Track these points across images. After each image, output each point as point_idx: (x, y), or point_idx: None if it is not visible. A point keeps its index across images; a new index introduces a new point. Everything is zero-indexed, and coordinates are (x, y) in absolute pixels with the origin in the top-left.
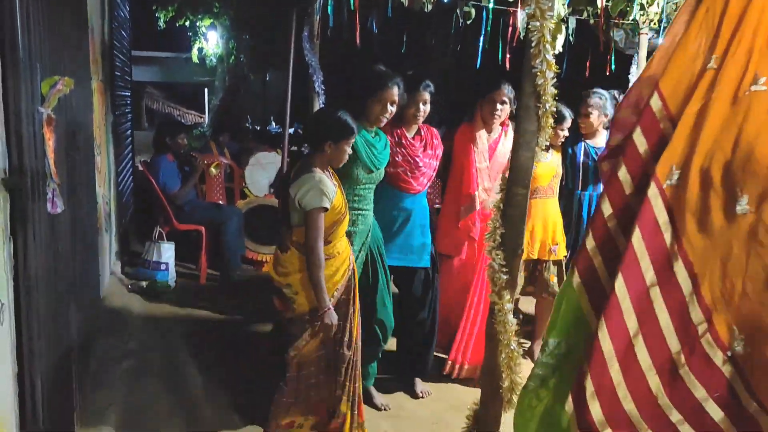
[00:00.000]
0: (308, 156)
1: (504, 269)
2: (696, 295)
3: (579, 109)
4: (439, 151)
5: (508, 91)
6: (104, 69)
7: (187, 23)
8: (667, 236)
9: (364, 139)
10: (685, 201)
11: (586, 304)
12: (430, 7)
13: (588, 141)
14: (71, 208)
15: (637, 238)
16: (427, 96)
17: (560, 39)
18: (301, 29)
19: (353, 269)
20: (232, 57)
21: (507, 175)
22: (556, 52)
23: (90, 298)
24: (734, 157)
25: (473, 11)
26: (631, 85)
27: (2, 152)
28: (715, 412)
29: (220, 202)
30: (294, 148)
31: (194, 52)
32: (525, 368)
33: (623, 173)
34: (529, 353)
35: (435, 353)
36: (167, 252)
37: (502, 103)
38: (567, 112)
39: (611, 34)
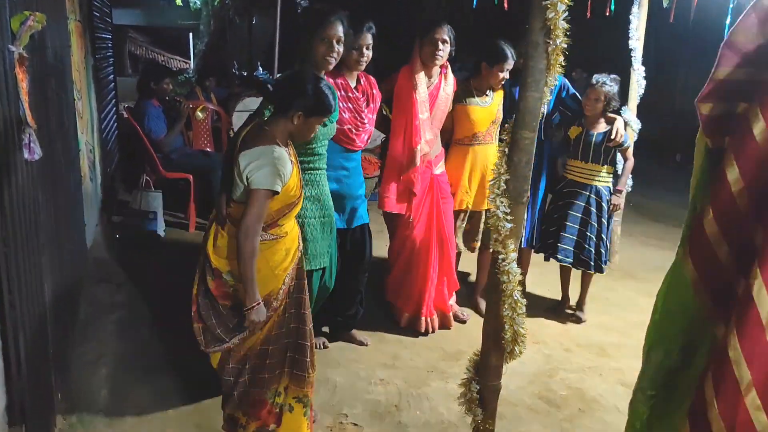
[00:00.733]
0: (269, 121)
1: (508, 217)
2: None
3: (588, 93)
4: (378, 103)
5: (448, 30)
6: (81, 9)
7: None
8: None
9: None
10: None
11: (706, 305)
12: None
13: None
14: (51, 154)
15: None
16: (370, 39)
17: None
18: None
19: (301, 250)
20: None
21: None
22: None
23: (75, 248)
24: None
25: None
26: None
27: None
28: None
29: (208, 149)
30: None
31: None
32: (532, 323)
33: (763, 129)
34: (473, 306)
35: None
36: (155, 201)
37: (443, 42)
38: (509, 52)
39: None
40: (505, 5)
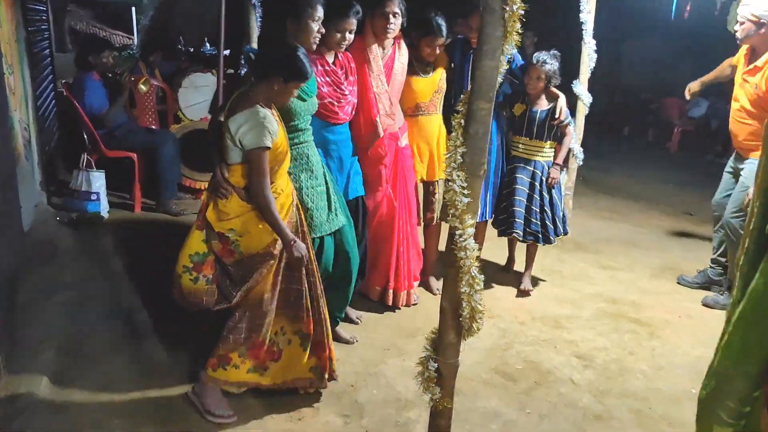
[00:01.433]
0: (251, 88)
1: (465, 191)
2: None
3: (529, 71)
4: (356, 76)
5: (399, 2)
6: None
7: None
8: None
9: None
10: None
11: None
12: None
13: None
14: None
15: None
16: (354, 24)
17: None
18: None
19: (297, 205)
20: None
21: (469, 88)
22: None
23: (11, 231)
24: None
25: None
26: None
27: None
28: None
29: (153, 126)
30: (231, 71)
31: None
32: (486, 297)
33: None
34: (424, 285)
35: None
36: (97, 181)
37: (394, 15)
38: (439, 26)
39: None
40: None
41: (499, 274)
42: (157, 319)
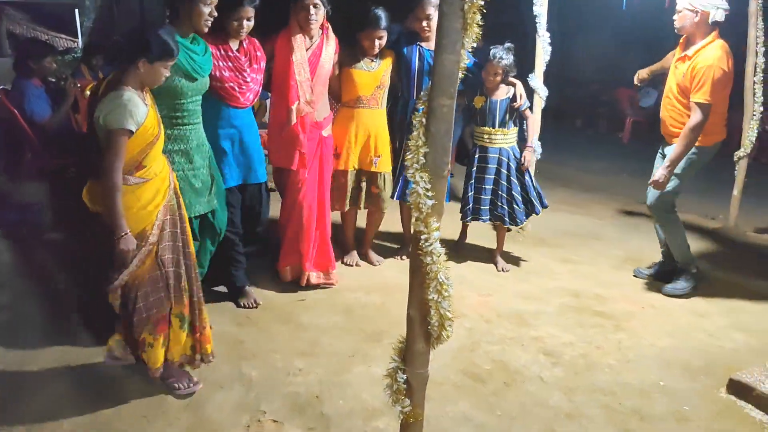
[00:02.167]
0: (119, 72)
1: (429, 193)
2: None
3: (487, 68)
4: (263, 63)
5: None
6: None
7: None
8: None
9: (183, 46)
10: None
11: None
12: None
13: (423, 44)
14: None
15: None
16: (251, 12)
17: None
18: None
19: (175, 189)
20: None
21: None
22: None
23: None
24: None
25: None
26: None
27: None
28: None
29: None
30: None
31: None
32: (458, 303)
33: None
34: (364, 257)
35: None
36: (39, 191)
37: (314, 6)
38: (378, 19)
39: None
40: None
41: (463, 275)
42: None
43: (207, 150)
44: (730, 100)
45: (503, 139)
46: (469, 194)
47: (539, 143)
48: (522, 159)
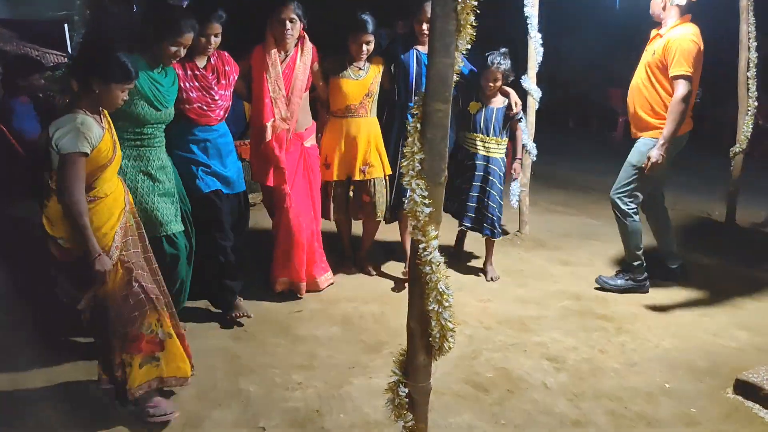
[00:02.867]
0: (78, 94)
1: (426, 201)
2: None
3: (486, 74)
4: (234, 76)
5: (295, 6)
6: None
7: None
8: None
9: (149, 77)
10: None
11: None
12: None
13: (419, 48)
14: None
15: None
16: (218, 28)
17: None
18: None
19: (131, 209)
20: None
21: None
22: None
23: None
24: None
25: None
26: None
27: None
28: None
29: None
30: None
31: None
32: (457, 311)
33: None
34: (360, 268)
35: None
36: (30, 209)
37: (291, 21)
38: (365, 24)
39: None
40: None
41: (461, 281)
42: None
43: (170, 170)
44: (725, 95)
45: (496, 148)
46: (455, 195)
47: (534, 145)
48: (512, 171)
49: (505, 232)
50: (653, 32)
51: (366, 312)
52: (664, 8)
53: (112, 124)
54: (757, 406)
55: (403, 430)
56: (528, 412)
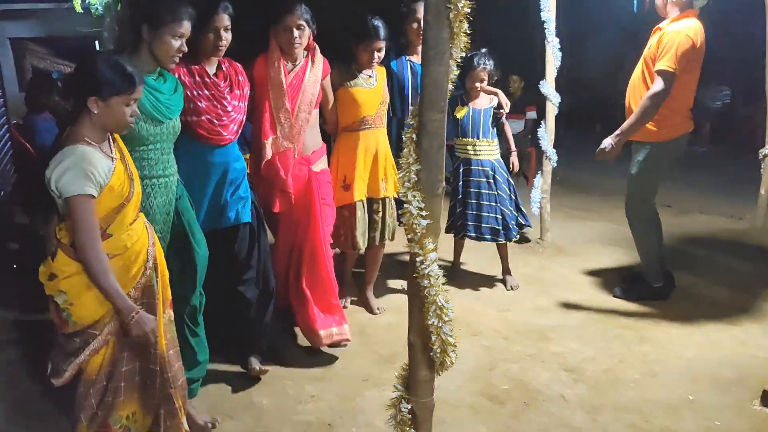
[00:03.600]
0: (75, 120)
1: (423, 213)
2: None
3: (472, 75)
4: (247, 90)
5: (303, 11)
6: None
7: None
8: None
9: (145, 84)
10: None
11: None
12: None
13: (412, 58)
14: None
15: None
16: (227, 20)
17: None
18: None
19: (155, 263)
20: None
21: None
22: None
23: None
24: None
25: None
26: None
27: None
28: None
29: None
30: None
31: (76, 2)
32: (466, 313)
33: None
34: (363, 304)
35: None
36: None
37: (299, 28)
38: (377, 29)
39: None
40: None
41: (479, 290)
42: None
43: (171, 213)
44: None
45: (488, 150)
46: (457, 210)
47: (554, 150)
48: (510, 165)
49: (526, 240)
50: (656, 27)
51: (381, 322)
52: (665, 3)
53: (126, 151)
54: None
55: None
56: (545, 425)
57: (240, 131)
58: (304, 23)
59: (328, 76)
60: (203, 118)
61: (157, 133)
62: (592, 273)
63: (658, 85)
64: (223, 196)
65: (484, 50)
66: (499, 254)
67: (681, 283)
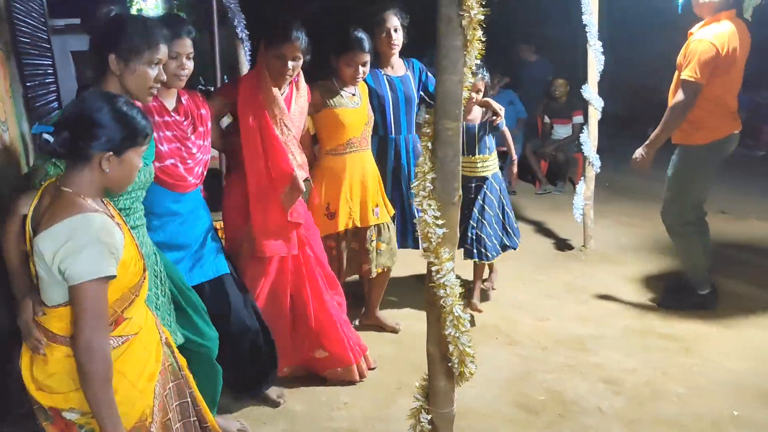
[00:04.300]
0: (68, 180)
1: (439, 222)
2: None
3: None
4: (209, 124)
5: (303, 43)
6: (2, 35)
7: None
8: None
9: None
10: None
11: None
12: None
13: (387, 71)
14: None
15: None
16: (190, 47)
17: None
18: None
19: (168, 340)
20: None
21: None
22: None
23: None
24: None
25: None
26: None
27: None
28: None
29: None
30: None
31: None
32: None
33: None
34: (374, 322)
35: None
36: None
37: (294, 59)
38: (361, 41)
39: None
40: None
41: (518, 298)
42: None
43: (158, 263)
44: None
45: (483, 166)
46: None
47: (597, 156)
48: (512, 174)
49: (569, 247)
50: (689, 31)
51: (418, 330)
52: (698, 5)
53: (122, 217)
54: None
55: None
56: None
57: (205, 174)
58: (300, 55)
59: (310, 103)
60: (167, 163)
61: (137, 181)
62: (636, 281)
63: (680, 95)
64: (204, 244)
65: (478, 61)
66: (474, 271)
67: (730, 292)
